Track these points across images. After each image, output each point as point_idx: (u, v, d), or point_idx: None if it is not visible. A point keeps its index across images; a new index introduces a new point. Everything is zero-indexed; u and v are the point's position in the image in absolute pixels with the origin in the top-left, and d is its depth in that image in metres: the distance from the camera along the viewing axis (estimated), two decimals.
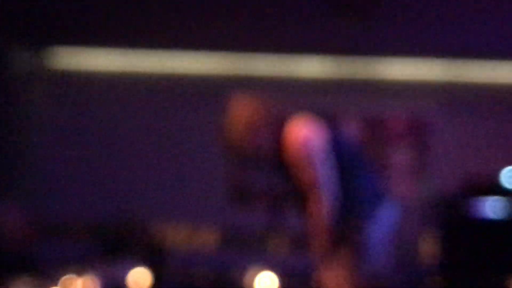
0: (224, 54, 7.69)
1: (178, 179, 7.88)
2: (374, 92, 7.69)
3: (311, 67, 7.75)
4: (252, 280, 6.81)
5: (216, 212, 7.73)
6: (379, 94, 7.74)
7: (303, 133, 3.53)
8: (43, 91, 7.80)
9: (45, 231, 7.37)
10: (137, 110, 7.94)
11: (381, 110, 7.87)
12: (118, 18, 6.74)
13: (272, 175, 3.66)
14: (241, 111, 3.62)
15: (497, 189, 6.79)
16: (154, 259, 6.93)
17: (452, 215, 6.85)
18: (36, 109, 7.78)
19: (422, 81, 7.81)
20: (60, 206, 7.69)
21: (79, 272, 6.24)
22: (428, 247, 7.04)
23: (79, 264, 6.44)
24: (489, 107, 7.77)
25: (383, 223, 3.58)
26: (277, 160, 3.57)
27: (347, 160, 3.57)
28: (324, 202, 3.42)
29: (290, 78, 7.63)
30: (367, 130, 7.81)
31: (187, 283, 7.02)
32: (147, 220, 7.45)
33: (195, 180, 7.88)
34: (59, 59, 7.82)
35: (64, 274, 6.17)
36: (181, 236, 7.59)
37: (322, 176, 3.44)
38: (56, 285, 5.99)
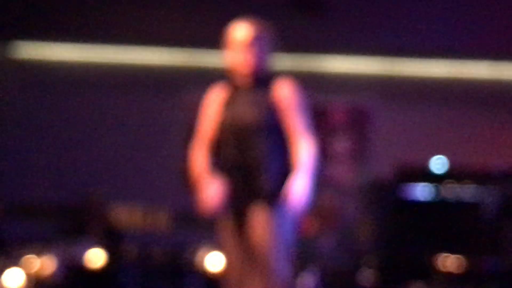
0: (179, 48, 7.87)
1: (134, 164, 7.82)
2: (318, 84, 7.73)
3: None
4: (203, 260, 6.86)
5: (169, 194, 7.64)
6: (323, 87, 7.82)
7: None
8: (7, 80, 7.87)
9: (6, 212, 7.33)
10: (96, 98, 7.91)
11: (325, 101, 7.94)
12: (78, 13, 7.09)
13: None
14: None
15: (426, 175, 6.91)
16: (110, 240, 6.90)
17: (386, 199, 6.98)
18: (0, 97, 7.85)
19: (362, 75, 7.96)
20: (21, 188, 7.68)
21: (39, 252, 6.30)
22: (365, 228, 7.12)
23: (40, 244, 6.45)
24: (421, 100, 7.88)
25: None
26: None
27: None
28: None
29: None
30: (313, 119, 8.03)
31: (142, 263, 6.96)
32: (104, 203, 7.35)
33: (150, 165, 7.83)
34: (22, 52, 7.89)
35: (25, 254, 6.26)
36: (136, 218, 7.58)
37: None
38: (17, 264, 6.08)
